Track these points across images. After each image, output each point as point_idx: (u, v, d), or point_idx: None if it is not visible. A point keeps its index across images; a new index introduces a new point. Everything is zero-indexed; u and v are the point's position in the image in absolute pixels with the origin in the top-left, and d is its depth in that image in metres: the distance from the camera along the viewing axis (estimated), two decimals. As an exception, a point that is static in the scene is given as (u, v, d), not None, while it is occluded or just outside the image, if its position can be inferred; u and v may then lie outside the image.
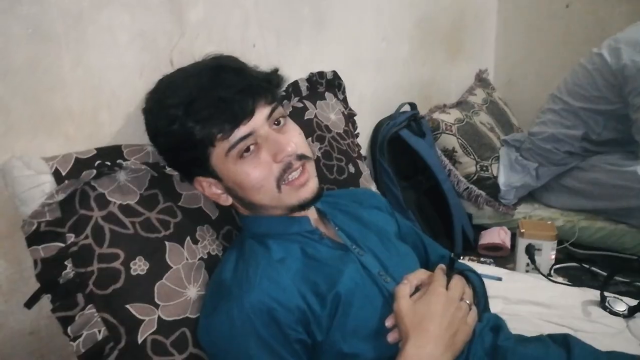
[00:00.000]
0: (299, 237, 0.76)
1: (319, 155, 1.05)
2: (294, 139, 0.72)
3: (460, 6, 2.04)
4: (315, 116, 1.09)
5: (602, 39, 1.54)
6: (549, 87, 1.74)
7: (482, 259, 1.47)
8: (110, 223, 0.69)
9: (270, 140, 0.69)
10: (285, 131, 0.72)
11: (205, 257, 0.77)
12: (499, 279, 1.19)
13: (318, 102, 1.13)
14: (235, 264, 0.72)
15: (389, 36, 1.60)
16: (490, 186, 1.70)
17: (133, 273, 0.69)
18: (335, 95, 1.19)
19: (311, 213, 0.78)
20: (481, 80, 2.20)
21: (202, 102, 0.67)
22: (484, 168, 1.71)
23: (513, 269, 1.36)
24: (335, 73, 1.20)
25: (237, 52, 0.78)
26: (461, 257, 1.43)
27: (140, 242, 0.71)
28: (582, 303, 1.07)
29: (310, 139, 1.05)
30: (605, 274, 1.32)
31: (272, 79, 0.73)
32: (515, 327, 0.85)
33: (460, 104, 1.92)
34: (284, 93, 1.07)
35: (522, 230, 1.33)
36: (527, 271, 1.33)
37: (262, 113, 0.69)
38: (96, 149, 0.74)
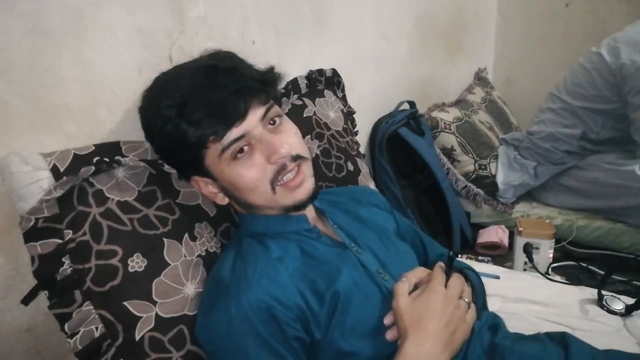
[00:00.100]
0: (297, 235, 0.76)
1: (318, 153, 1.05)
2: (289, 140, 0.71)
3: (460, 4, 2.03)
4: (315, 114, 1.09)
5: (601, 38, 1.54)
6: (548, 86, 1.74)
7: (480, 258, 1.47)
8: (108, 220, 0.69)
9: (264, 141, 0.69)
10: (280, 131, 0.72)
11: (204, 254, 0.77)
12: (497, 277, 1.19)
13: (317, 99, 1.13)
14: (233, 261, 0.72)
15: (389, 34, 1.59)
16: (488, 185, 1.70)
17: (131, 270, 0.69)
18: (335, 93, 1.19)
19: (309, 211, 0.78)
20: (480, 79, 2.20)
21: (194, 104, 0.66)
22: (483, 167, 1.71)
23: (511, 267, 1.36)
24: (334, 71, 1.20)
25: (237, 49, 0.78)
26: (459, 256, 1.43)
27: (138, 239, 0.71)
28: (579, 302, 1.07)
29: (309, 136, 1.05)
30: (602, 272, 1.32)
31: (267, 78, 0.73)
32: (513, 325, 0.85)
33: (459, 103, 1.92)
34: (283, 90, 1.07)
35: (520, 229, 1.33)
36: (525, 270, 1.33)
37: (255, 114, 0.69)
38: (94, 145, 0.74)
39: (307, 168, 0.74)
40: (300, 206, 0.73)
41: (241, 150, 0.69)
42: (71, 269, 0.66)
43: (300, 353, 0.65)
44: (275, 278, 0.67)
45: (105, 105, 0.82)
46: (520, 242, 1.33)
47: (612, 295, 1.06)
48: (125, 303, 0.67)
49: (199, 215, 0.80)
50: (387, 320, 0.69)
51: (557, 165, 1.65)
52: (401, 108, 1.60)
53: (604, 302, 1.04)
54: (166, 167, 0.76)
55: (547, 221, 1.43)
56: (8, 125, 0.71)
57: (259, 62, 0.76)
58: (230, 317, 0.64)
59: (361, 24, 1.46)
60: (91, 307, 0.66)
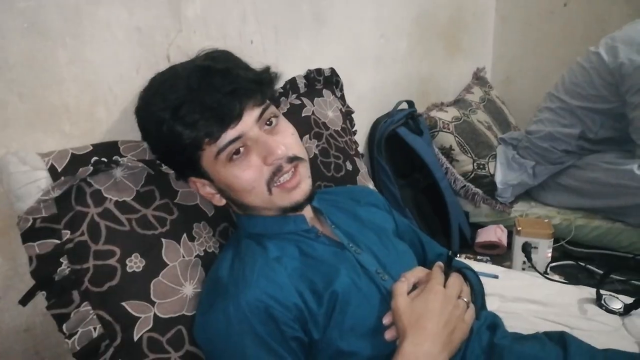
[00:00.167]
0: (295, 235, 0.75)
1: (317, 152, 1.05)
2: (285, 141, 0.71)
3: (459, 4, 2.03)
4: (313, 113, 1.09)
5: (600, 38, 1.55)
6: (547, 86, 1.74)
7: (478, 257, 1.47)
8: (106, 220, 0.69)
9: (260, 142, 0.69)
10: (277, 132, 0.72)
11: (202, 254, 0.76)
12: (496, 277, 1.19)
13: (316, 99, 1.12)
14: (231, 262, 0.72)
15: (388, 33, 1.59)
16: (487, 184, 1.70)
17: (129, 270, 0.68)
18: (333, 93, 1.19)
19: (307, 211, 0.78)
20: (479, 78, 2.20)
21: (189, 106, 0.66)
22: (481, 166, 1.71)
23: (509, 267, 1.36)
24: (333, 70, 1.20)
25: (235, 48, 0.77)
26: (458, 255, 1.43)
27: (137, 239, 0.70)
28: (578, 301, 1.07)
29: (307, 136, 1.05)
30: (601, 272, 1.32)
31: (263, 78, 0.72)
32: (512, 325, 0.86)
33: (457, 102, 1.92)
34: (281, 90, 1.06)
35: (519, 229, 1.33)
36: (523, 269, 1.33)
37: (251, 115, 0.68)
38: (92, 145, 0.74)
39: (304, 169, 0.73)
40: (297, 207, 0.73)
41: (237, 152, 0.69)
42: (69, 269, 0.66)
43: (298, 353, 0.65)
44: (274, 278, 0.67)
45: (104, 104, 0.82)
46: (518, 241, 1.33)
47: (610, 295, 1.06)
48: (123, 303, 0.67)
49: (197, 215, 0.79)
50: (386, 320, 0.69)
51: (556, 165, 1.65)
52: (400, 107, 1.60)
53: (602, 302, 1.05)
54: (164, 168, 0.76)
55: (546, 221, 1.44)
56: (6, 124, 0.71)
57: (257, 61, 0.75)
58: (228, 317, 0.64)
59: (360, 23, 1.46)
60: (89, 307, 0.66)
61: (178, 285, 0.72)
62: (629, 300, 1.04)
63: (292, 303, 0.66)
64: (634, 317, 1.01)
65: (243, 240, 0.75)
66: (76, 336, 0.65)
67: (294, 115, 1.04)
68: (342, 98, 1.22)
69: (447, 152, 1.70)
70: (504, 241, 1.53)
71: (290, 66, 1.14)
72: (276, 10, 1.15)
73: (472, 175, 1.70)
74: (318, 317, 0.67)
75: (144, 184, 0.75)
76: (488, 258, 1.47)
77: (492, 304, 1.01)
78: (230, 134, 0.67)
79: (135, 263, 0.69)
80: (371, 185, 1.16)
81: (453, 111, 1.82)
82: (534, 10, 2.27)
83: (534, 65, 2.29)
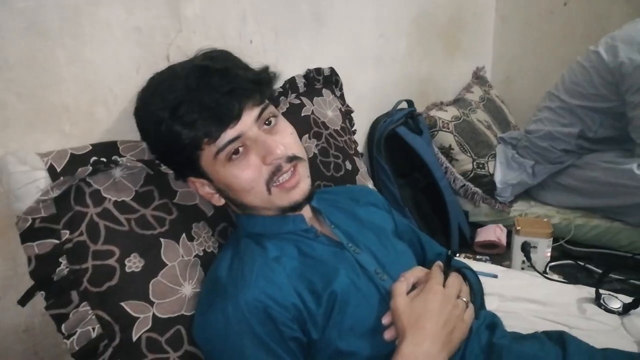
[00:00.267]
0: (294, 235, 0.75)
1: (316, 152, 1.05)
2: (284, 140, 0.71)
3: (459, 3, 2.03)
4: (312, 113, 1.09)
5: (600, 37, 1.54)
6: (547, 85, 1.74)
7: (478, 257, 1.48)
8: (105, 220, 0.69)
9: (259, 142, 0.69)
10: (276, 131, 0.72)
11: (201, 254, 0.76)
12: (495, 276, 1.19)
13: (315, 98, 1.12)
14: (230, 262, 0.72)
15: (387, 32, 1.59)
16: (486, 184, 1.70)
17: (128, 270, 0.68)
18: (333, 92, 1.19)
19: (306, 211, 0.78)
20: (478, 77, 2.20)
21: (188, 106, 0.66)
22: (481, 165, 1.71)
23: (509, 266, 1.36)
24: (332, 69, 1.20)
25: (234, 48, 0.77)
26: (457, 255, 1.43)
27: (136, 239, 0.70)
28: (577, 300, 1.08)
29: (307, 135, 1.05)
30: (600, 271, 1.32)
31: (262, 78, 0.72)
32: (511, 324, 0.86)
33: (457, 102, 1.92)
34: (281, 90, 1.06)
35: (518, 228, 1.33)
36: (522, 269, 1.33)
37: (250, 115, 0.68)
38: (91, 145, 0.74)
39: (303, 169, 0.73)
40: (296, 207, 0.73)
41: (236, 152, 0.69)
42: (68, 269, 0.66)
43: (297, 353, 0.65)
44: (272, 278, 0.67)
45: (103, 104, 0.82)
46: (518, 241, 1.33)
47: (609, 294, 1.07)
48: (122, 303, 0.67)
49: (197, 215, 0.79)
50: (385, 320, 0.69)
51: (555, 164, 1.65)
52: (399, 107, 1.60)
53: (601, 301, 1.05)
54: (163, 168, 0.76)
55: (545, 220, 1.44)
56: (5, 124, 0.71)
57: (257, 61, 0.75)
58: (227, 317, 0.64)
59: (360, 23, 1.46)
60: (88, 307, 0.66)
61: (177, 285, 0.72)
62: (628, 299, 1.04)
63: (291, 303, 0.66)
64: (632, 317, 1.01)
65: (242, 240, 0.75)
66: (75, 336, 0.65)
67: (294, 115, 1.04)
68: (341, 97, 1.22)
69: (446, 151, 1.70)
70: (503, 241, 1.54)
71: (289, 66, 1.14)
72: (275, 10, 1.14)
73: (472, 174, 1.70)
74: (317, 317, 0.67)
75: (143, 184, 0.75)
76: (487, 257, 1.47)
77: (491, 304, 1.01)
78: (229, 133, 0.67)
79: (135, 263, 0.69)
80: (370, 185, 1.16)
81: (453, 110, 1.81)
82: (533, 10, 2.27)
83: (534, 64, 2.29)
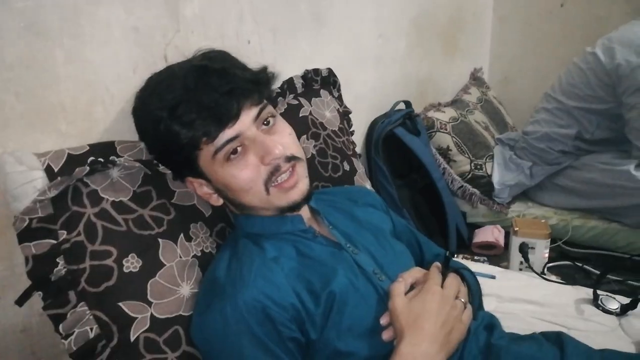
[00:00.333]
0: (293, 236, 0.75)
1: (314, 152, 1.05)
2: (283, 140, 0.71)
3: (458, 4, 2.04)
4: (310, 113, 1.09)
5: (597, 38, 1.55)
6: (544, 86, 1.74)
7: (475, 257, 1.48)
8: (102, 220, 0.69)
9: (258, 142, 0.69)
10: (274, 131, 0.72)
11: (199, 254, 0.76)
12: (493, 277, 1.19)
13: (313, 99, 1.12)
14: (228, 262, 0.72)
15: (386, 33, 1.59)
16: (484, 185, 1.70)
17: (126, 270, 0.68)
18: (331, 93, 1.19)
19: (304, 212, 0.77)
20: (476, 78, 2.21)
21: (186, 106, 0.66)
22: (478, 167, 1.72)
23: (507, 267, 1.36)
24: (330, 70, 1.20)
25: (232, 48, 0.77)
26: (455, 256, 1.44)
27: (133, 239, 0.70)
28: (575, 301, 1.08)
29: (305, 136, 1.05)
30: (598, 272, 1.32)
31: (260, 78, 0.72)
32: (509, 325, 0.86)
33: (455, 103, 1.93)
34: (279, 90, 1.06)
35: (516, 229, 1.33)
36: (520, 269, 1.33)
37: (248, 115, 0.68)
38: (89, 145, 0.73)
39: (302, 169, 0.73)
40: (295, 207, 0.73)
41: (234, 152, 0.69)
42: (65, 269, 0.65)
43: (295, 353, 0.65)
44: (271, 278, 0.67)
45: (101, 104, 0.81)
46: (516, 241, 1.33)
47: (607, 295, 1.07)
48: (120, 304, 0.66)
49: (195, 215, 0.79)
50: (383, 321, 0.69)
51: (553, 165, 1.65)
52: (397, 108, 1.60)
53: (599, 302, 1.05)
54: (161, 168, 0.76)
55: (543, 221, 1.44)
56: (3, 124, 0.71)
57: (255, 61, 0.76)
58: (225, 317, 0.64)
59: (359, 23, 1.46)
60: (86, 307, 0.65)
61: (175, 286, 0.71)
62: (626, 300, 1.04)
63: (289, 303, 0.66)
64: (630, 318, 1.01)
65: (240, 240, 0.75)
66: (73, 337, 0.64)
67: (292, 116, 1.04)
68: (339, 98, 1.22)
69: (444, 152, 1.70)
70: (501, 241, 1.54)
71: (288, 66, 1.14)
72: (274, 10, 1.15)
73: (470, 175, 1.70)
74: (315, 318, 0.67)
75: (140, 184, 0.74)
76: (485, 258, 1.47)
77: (489, 304, 1.01)
78: (227, 133, 0.67)
79: (132, 263, 0.69)
80: (368, 186, 1.16)
81: (450, 111, 1.82)
82: (531, 11, 2.28)
83: (532, 65, 2.30)
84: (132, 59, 0.84)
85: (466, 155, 1.72)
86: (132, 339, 0.66)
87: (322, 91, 1.16)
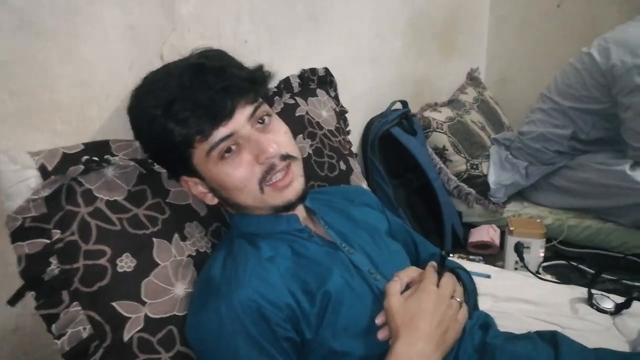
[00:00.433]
0: (288, 235, 0.75)
1: (310, 152, 1.05)
2: (278, 139, 0.70)
3: (454, 4, 2.04)
4: (307, 113, 1.09)
5: (594, 39, 1.55)
6: (541, 87, 1.75)
7: (471, 257, 1.48)
8: (97, 219, 0.68)
9: (252, 140, 0.68)
10: (269, 130, 0.71)
11: (194, 254, 0.76)
12: (488, 276, 1.19)
13: (310, 98, 1.12)
14: (224, 261, 0.71)
15: (383, 33, 1.59)
16: (480, 184, 1.70)
17: (120, 270, 0.68)
18: (327, 92, 1.19)
19: (300, 211, 0.77)
20: (472, 78, 2.21)
21: (181, 103, 0.66)
22: (475, 166, 1.72)
23: (502, 266, 1.36)
24: (327, 70, 1.20)
25: (229, 48, 0.77)
26: (451, 255, 1.44)
27: (128, 239, 0.70)
28: (570, 300, 1.08)
29: (301, 135, 1.05)
30: (592, 271, 1.33)
31: (256, 76, 0.72)
32: (504, 324, 0.86)
33: (451, 103, 1.93)
34: (275, 90, 1.06)
35: (511, 228, 1.34)
36: (516, 269, 1.34)
37: (243, 113, 0.68)
38: (83, 144, 0.73)
39: (297, 168, 0.73)
40: (290, 206, 0.73)
41: (229, 150, 0.68)
42: (59, 269, 0.65)
43: (290, 353, 0.65)
44: (266, 278, 0.67)
45: (96, 103, 0.81)
46: (511, 241, 1.34)
47: (602, 294, 1.07)
48: (113, 303, 0.66)
49: (190, 215, 0.79)
50: (378, 320, 0.69)
51: (548, 165, 1.66)
52: (394, 108, 1.60)
53: (593, 301, 1.05)
54: (156, 167, 0.75)
55: (538, 221, 1.44)
56: (-4, 122, 0.70)
57: (252, 60, 0.75)
58: (220, 317, 0.64)
59: (355, 23, 1.46)
60: (79, 307, 0.65)
61: (169, 285, 0.71)
62: (620, 299, 1.05)
63: (285, 303, 0.66)
64: (624, 317, 1.02)
65: (236, 240, 0.75)
66: (65, 337, 0.64)
67: (288, 115, 1.04)
68: (336, 98, 1.22)
69: (440, 152, 1.70)
70: (497, 241, 1.54)
71: (285, 66, 1.14)
72: (271, 10, 1.14)
73: (466, 175, 1.71)
74: (310, 317, 0.67)
75: (135, 184, 0.74)
76: (481, 258, 1.48)
77: (484, 304, 1.01)
78: (221, 131, 0.67)
79: (126, 263, 0.68)
80: (365, 185, 1.16)
81: (447, 111, 1.82)
82: (528, 11, 2.28)
83: (529, 66, 2.30)
84: (127, 58, 0.84)
85: (462, 155, 1.72)
86: (126, 339, 0.66)
87: (318, 91, 1.16)
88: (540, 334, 0.82)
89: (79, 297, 0.65)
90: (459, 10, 2.08)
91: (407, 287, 0.73)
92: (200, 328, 0.66)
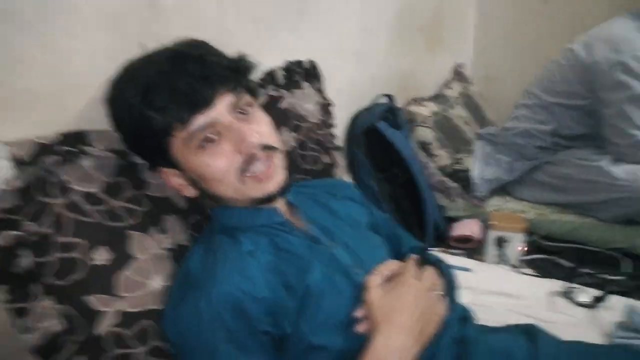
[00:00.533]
0: (269, 229, 0.74)
1: (294, 144, 1.04)
2: (259, 129, 0.69)
3: (441, -1, 2.04)
4: (291, 105, 1.08)
5: (580, 35, 1.56)
6: (527, 82, 1.75)
7: (453, 251, 1.49)
8: (72, 211, 0.67)
9: (233, 130, 0.67)
10: (251, 121, 0.70)
11: (173, 247, 0.75)
12: (469, 270, 1.21)
13: (294, 91, 1.11)
14: (203, 255, 0.71)
15: (369, 26, 1.59)
16: (463, 179, 1.71)
17: (95, 263, 0.66)
18: (312, 85, 1.18)
19: (281, 204, 0.77)
20: (458, 74, 2.22)
21: (159, 90, 0.64)
22: (459, 161, 1.73)
23: (483, 260, 1.38)
24: (312, 62, 1.19)
25: (212, 38, 0.76)
26: (433, 249, 1.44)
27: (104, 232, 0.69)
28: (548, 294, 1.10)
29: (285, 128, 1.04)
30: (571, 265, 1.35)
31: (238, 66, 0.71)
32: (484, 317, 0.87)
33: (436, 97, 1.93)
34: (260, 82, 1.05)
35: (492, 223, 1.35)
36: (496, 263, 1.35)
37: (224, 102, 0.67)
38: (60, 133, 0.71)
39: (278, 159, 0.72)
40: (270, 198, 0.72)
41: (209, 140, 0.67)
42: (32, 262, 0.63)
43: (269, 348, 0.65)
44: (246, 272, 0.67)
45: (73, 92, 0.79)
46: (492, 235, 1.35)
47: (579, 288, 1.09)
48: (88, 297, 0.65)
49: (169, 208, 0.78)
50: (358, 314, 0.69)
51: (531, 161, 1.67)
52: (379, 101, 1.60)
53: (571, 295, 1.07)
54: (135, 158, 0.74)
55: (519, 215, 1.46)
56: (-32, 111, 0.68)
57: (235, 51, 0.74)
58: (199, 312, 0.63)
59: (342, 16, 1.45)
60: (52, 301, 0.64)
61: (146, 279, 0.70)
62: (597, 293, 1.07)
63: (264, 297, 0.65)
64: (601, 310, 1.04)
65: (216, 233, 0.74)
66: (37, 331, 0.63)
67: (272, 107, 1.03)
68: (321, 91, 1.22)
69: (425, 146, 1.71)
70: (479, 235, 1.55)
71: (270, 58, 1.12)
72: (256, 1, 1.13)
73: (449, 170, 1.72)
74: (291, 311, 0.67)
75: (113, 175, 0.73)
76: (462, 252, 1.49)
77: (464, 297, 1.01)
78: (201, 119, 0.65)
79: (102, 256, 0.67)
80: (349, 179, 1.16)
81: (432, 106, 1.82)
82: (515, 7, 2.29)
83: (515, 61, 2.31)
84: (107, 47, 0.82)
85: (446, 149, 1.73)
86: (100, 333, 0.65)
87: (304, 83, 1.15)
88: (518, 327, 0.83)
89: (53, 290, 0.64)
90: (445, 5, 2.08)
91: (388, 281, 0.73)
92: (178, 322, 0.66)
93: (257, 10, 1.13)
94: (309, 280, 0.69)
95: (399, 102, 1.73)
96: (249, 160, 0.68)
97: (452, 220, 1.68)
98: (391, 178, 1.59)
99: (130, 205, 0.73)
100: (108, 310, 0.66)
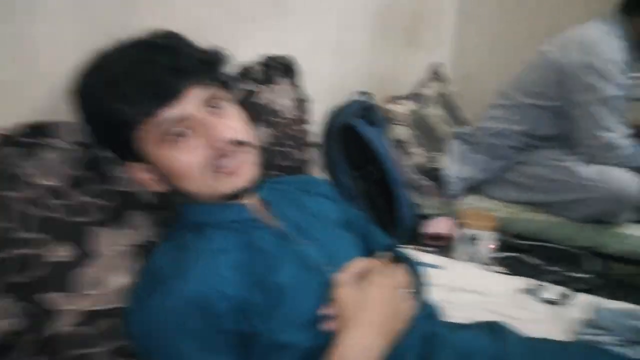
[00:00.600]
0: (239, 225, 0.73)
1: (269, 140, 1.03)
2: (232, 124, 0.68)
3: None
4: (267, 100, 1.07)
5: (554, 37, 1.59)
6: (506, 82, 1.78)
7: (426, 248, 1.51)
8: (35, 206, 0.65)
9: (204, 124, 0.65)
10: (223, 115, 0.68)
11: (139, 243, 0.73)
12: (440, 267, 1.22)
13: (271, 86, 1.10)
14: (171, 252, 0.69)
15: (349, 24, 1.58)
16: (438, 177, 1.74)
17: (57, 260, 0.65)
18: (289, 80, 1.17)
19: (252, 200, 0.76)
20: (436, 73, 2.23)
21: (128, 82, 0.63)
22: (434, 160, 1.75)
23: (454, 258, 1.40)
24: (290, 58, 1.18)
25: (187, 31, 0.74)
26: (405, 247, 1.46)
27: (68, 227, 0.67)
28: (516, 291, 1.12)
29: (259, 123, 1.03)
30: (540, 263, 1.39)
31: (211, 59, 0.69)
32: (452, 314, 0.88)
33: (413, 96, 1.95)
34: (236, 76, 1.04)
35: (463, 221, 1.38)
36: (467, 260, 1.38)
37: (195, 95, 0.65)
38: (23, 125, 0.69)
39: (250, 155, 0.71)
40: (239, 194, 0.71)
41: (179, 134, 0.65)
42: (-10, 258, 0.62)
43: (237, 346, 0.64)
44: (215, 269, 0.66)
45: (40, 83, 0.76)
46: (463, 233, 1.37)
47: (547, 285, 1.12)
48: (48, 295, 0.63)
49: (137, 203, 0.76)
50: (327, 311, 0.69)
51: (505, 160, 1.71)
52: (356, 99, 1.60)
53: (537, 292, 1.10)
54: (102, 151, 0.72)
55: (490, 213, 1.49)
56: None
57: (210, 45, 0.72)
58: (166, 309, 0.62)
59: (321, 12, 1.44)
60: (11, 299, 0.61)
61: (111, 276, 0.68)
62: (564, 290, 1.10)
63: (234, 295, 0.64)
64: (568, 307, 1.06)
65: (184, 229, 0.73)
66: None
67: (248, 102, 1.02)
68: (298, 86, 1.21)
69: (401, 144, 1.72)
70: (451, 233, 1.57)
71: (247, 52, 1.11)
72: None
73: (425, 168, 1.74)
74: (260, 309, 0.66)
75: (79, 168, 0.71)
76: (435, 249, 1.51)
77: (435, 294, 1.03)
78: (170, 112, 0.64)
79: (66, 252, 0.65)
80: (323, 176, 1.16)
81: (409, 104, 1.84)
82: (494, 6, 2.31)
83: (494, 62, 2.33)
84: (75, 37, 0.79)
85: (422, 148, 1.74)
86: (60, 332, 0.63)
87: (280, 79, 1.14)
88: (486, 324, 0.84)
89: (12, 288, 0.62)
90: (426, 4, 2.09)
91: (358, 278, 0.73)
92: (144, 320, 0.64)
93: (233, 3, 1.12)
94: (278, 278, 0.68)
95: (377, 100, 1.73)
96: (220, 155, 0.66)
97: (426, 217, 1.70)
98: (366, 175, 1.60)
99: (97, 200, 0.71)
100: (69, 308, 0.64)
